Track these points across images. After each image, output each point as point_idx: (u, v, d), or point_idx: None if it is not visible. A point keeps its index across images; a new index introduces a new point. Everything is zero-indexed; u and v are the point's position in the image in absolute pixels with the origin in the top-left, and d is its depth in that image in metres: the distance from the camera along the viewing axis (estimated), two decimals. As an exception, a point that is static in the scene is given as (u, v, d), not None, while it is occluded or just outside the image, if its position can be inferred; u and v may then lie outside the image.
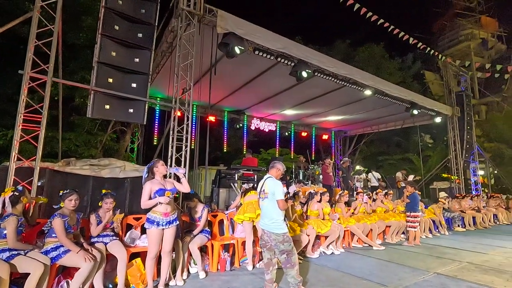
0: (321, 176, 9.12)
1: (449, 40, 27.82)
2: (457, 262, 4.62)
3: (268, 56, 6.31)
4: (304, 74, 6.76)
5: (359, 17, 9.06)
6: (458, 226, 8.54)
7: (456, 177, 11.91)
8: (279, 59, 6.48)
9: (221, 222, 4.56)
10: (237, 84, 8.73)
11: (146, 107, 4.50)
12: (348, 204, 6.49)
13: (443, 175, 13.80)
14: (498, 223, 10.06)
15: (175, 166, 3.21)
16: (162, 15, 5.96)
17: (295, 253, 3.17)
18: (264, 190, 3.28)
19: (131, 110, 4.42)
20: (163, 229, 3.10)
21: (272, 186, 3.20)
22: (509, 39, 25.52)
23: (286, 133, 13.24)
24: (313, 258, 4.69)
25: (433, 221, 7.64)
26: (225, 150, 12.69)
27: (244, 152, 14.35)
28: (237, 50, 5.68)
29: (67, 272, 3.04)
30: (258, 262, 4.16)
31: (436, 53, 11.64)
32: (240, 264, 4.17)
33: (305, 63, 6.75)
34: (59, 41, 4.57)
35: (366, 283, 3.56)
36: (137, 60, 4.50)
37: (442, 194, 9.47)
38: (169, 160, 4.71)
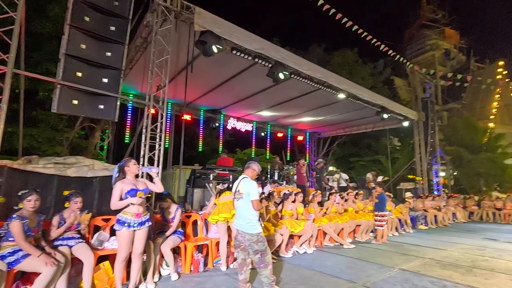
0: (295, 177, 9.28)
1: (417, 49, 29.56)
2: (420, 258, 4.91)
3: (246, 57, 6.31)
4: (281, 76, 6.84)
5: (334, 22, 9.33)
6: (422, 224, 9.09)
7: (421, 178, 12.66)
8: (256, 59, 6.50)
9: (195, 223, 4.49)
10: (214, 83, 8.65)
11: (118, 103, 4.32)
12: (321, 204, 6.67)
13: (409, 176, 14.59)
14: (456, 221, 10.83)
15: (148, 165, 3.10)
16: (137, 8, 5.76)
17: (269, 252, 3.20)
18: (239, 191, 3.28)
19: (102, 106, 4.22)
20: (134, 230, 3.00)
21: (247, 186, 3.21)
22: (469, 50, 27.65)
23: (262, 134, 13.32)
24: (286, 257, 4.76)
25: (399, 220, 8.07)
26: (200, 150, 12.48)
27: (220, 152, 14.27)
28: (214, 49, 5.62)
29: (27, 278, 2.84)
30: (232, 263, 4.15)
31: (405, 60, 12.29)
32: (214, 265, 4.13)
33: (282, 65, 6.83)
34: (22, 30, 4.25)
35: (337, 281, 3.68)
36: (109, 54, 4.31)
37: (408, 194, 10.02)
38: (141, 159, 4.56)
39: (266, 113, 11.72)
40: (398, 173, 14.64)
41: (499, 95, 23.07)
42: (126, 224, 2.95)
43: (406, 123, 12.00)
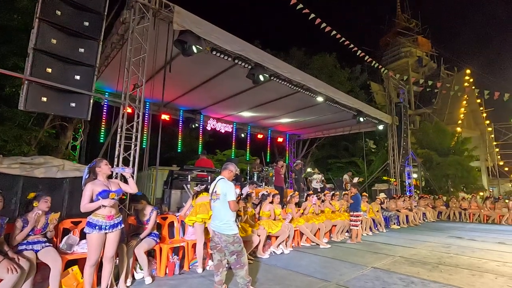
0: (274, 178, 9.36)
1: (392, 55, 30.87)
2: (391, 256, 5.12)
3: (226, 57, 6.31)
4: (261, 77, 6.90)
5: (314, 27, 9.54)
6: (394, 224, 9.47)
7: (394, 180, 13.20)
8: (236, 61, 6.52)
9: (171, 225, 4.41)
10: (193, 83, 8.56)
11: (91, 101, 4.17)
12: (298, 204, 6.78)
13: (383, 177, 15.17)
14: (426, 220, 11.39)
15: (121, 166, 2.99)
16: (114, 4, 5.59)
17: (245, 253, 3.21)
18: (216, 191, 3.27)
19: (73, 104, 4.05)
20: (106, 233, 2.90)
21: (224, 187, 3.21)
22: (439, 58, 29.26)
23: (242, 135, 13.34)
24: (263, 258, 4.80)
25: (373, 220, 8.37)
26: (179, 150, 12.28)
27: (199, 153, 14.06)
28: (194, 49, 5.58)
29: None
30: (208, 264, 4.12)
31: (380, 66, 12.79)
32: (190, 267, 4.08)
33: (261, 67, 6.89)
34: (-14, 22, 4.00)
35: (311, 280, 3.75)
36: (82, 50, 4.15)
37: (382, 195, 10.43)
38: (115, 160, 4.42)
39: (246, 114, 11.76)
40: (373, 175, 15.19)
41: (466, 102, 24.58)
42: (97, 227, 2.85)
43: (381, 127, 12.48)
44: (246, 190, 7.37)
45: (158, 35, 5.30)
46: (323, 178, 10.64)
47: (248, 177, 10.63)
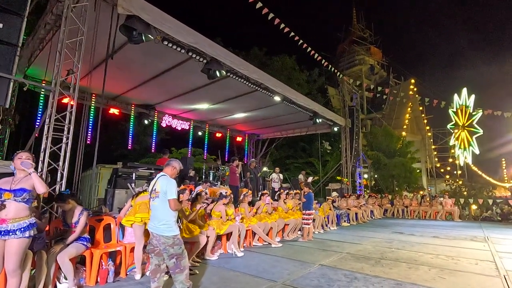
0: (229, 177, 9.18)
1: (347, 62, 32.71)
2: (338, 253, 5.25)
3: (179, 49, 5.96)
4: (217, 73, 6.67)
5: (276, 28, 9.58)
6: (345, 221, 9.88)
7: (346, 180, 13.86)
8: (190, 53, 6.20)
9: (108, 227, 3.98)
10: (145, 76, 8.01)
11: (11, 86, 3.59)
12: (252, 204, 6.68)
13: (337, 177, 15.87)
14: (373, 217, 12.12)
15: (27, 160, 2.49)
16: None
17: (186, 256, 2.97)
18: (155, 189, 2.99)
19: (-13, 88, 3.45)
20: (4, 240, 2.44)
21: (164, 184, 2.94)
22: (389, 68, 31.71)
23: (200, 133, 12.93)
24: (212, 260, 4.58)
25: (327, 217, 8.63)
26: (129, 148, 11.47)
27: (155, 151, 13.36)
28: (143, 37, 5.15)
29: None
30: (149, 269, 3.79)
31: (336, 70, 13.34)
32: (128, 273, 3.71)
33: (217, 62, 6.66)
34: None
35: (258, 281, 3.64)
36: (0, 25, 3.55)
37: (334, 193, 10.84)
38: (41, 155, 3.86)
39: (203, 112, 11.39)
40: (327, 174, 15.80)
41: (410, 109, 26.94)
42: None
43: (335, 129, 13.00)
44: (198, 189, 7.13)
45: (100, 17, 4.78)
46: (281, 177, 10.73)
47: (203, 176, 10.31)
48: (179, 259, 2.88)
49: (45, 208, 3.50)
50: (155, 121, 11.39)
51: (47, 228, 3.44)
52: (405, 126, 26.08)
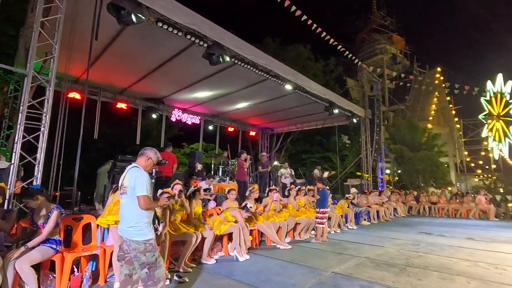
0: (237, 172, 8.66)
1: (367, 52, 31.01)
2: (355, 258, 4.56)
3: (175, 31, 5.44)
4: (220, 59, 6.11)
5: (290, 18, 8.92)
6: (364, 220, 9.08)
7: (367, 175, 12.93)
8: (189, 37, 5.66)
9: (88, 227, 3.55)
10: (149, 65, 7.57)
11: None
12: (259, 200, 6.11)
13: (357, 173, 14.93)
14: (397, 215, 11.17)
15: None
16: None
17: (161, 265, 2.44)
18: (123, 184, 2.47)
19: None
20: None
21: (133, 178, 2.41)
22: (412, 56, 29.75)
23: (210, 127, 12.49)
24: (208, 265, 4.05)
25: (345, 216, 7.90)
26: (138, 143, 11.20)
27: (161, 146, 13.03)
28: (133, 17, 4.69)
29: None
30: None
31: (354, 57, 12.38)
32: (107, 280, 3.26)
33: (220, 46, 6.10)
34: None
35: (256, 293, 3.07)
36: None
37: (353, 190, 10.02)
38: (15, 146, 3.47)
39: (212, 105, 10.91)
40: (346, 170, 14.90)
41: (436, 99, 25.09)
42: None
43: (354, 120, 12.09)
44: (204, 185, 6.66)
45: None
46: (292, 172, 10.07)
47: (212, 172, 9.85)
48: (152, 269, 2.36)
49: (14, 206, 3.10)
50: (164, 116, 11.06)
51: (14, 229, 3.04)
52: (431, 118, 24.31)
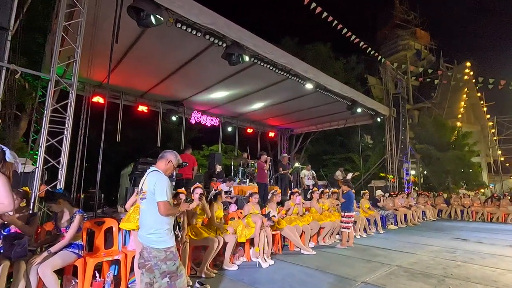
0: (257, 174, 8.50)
1: (390, 48, 29.90)
2: (386, 266, 4.25)
3: (194, 32, 5.38)
4: (239, 59, 6.00)
5: (309, 16, 8.70)
6: (391, 223, 8.62)
7: (392, 176, 12.35)
8: (208, 37, 5.58)
9: (110, 231, 3.51)
10: (169, 68, 7.59)
11: (3, 74, 3.26)
12: (281, 203, 5.91)
13: (381, 174, 14.32)
14: (426, 219, 10.55)
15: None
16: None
17: (182, 274, 2.32)
18: (142, 189, 2.38)
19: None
20: None
21: (153, 182, 2.30)
22: (438, 51, 28.36)
23: (229, 129, 12.43)
24: (230, 271, 3.91)
25: (368, 219, 7.52)
26: (158, 145, 11.35)
27: (182, 148, 13.12)
28: (152, 19, 4.68)
29: None
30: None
31: (376, 54, 11.90)
32: (129, 286, 3.19)
33: (239, 46, 5.98)
34: None
35: (281, 304, 2.88)
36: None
37: (378, 192, 9.57)
38: (39, 149, 3.51)
39: (231, 106, 10.84)
40: (370, 171, 14.33)
41: (466, 95, 23.74)
42: None
43: (377, 119, 11.59)
44: (224, 187, 6.56)
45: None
46: (314, 174, 9.77)
47: (232, 174, 9.76)
48: (173, 278, 2.24)
49: (30, 211, 3.10)
50: (184, 118, 11.13)
51: (37, 233, 3.05)
52: (460, 116, 23.02)
